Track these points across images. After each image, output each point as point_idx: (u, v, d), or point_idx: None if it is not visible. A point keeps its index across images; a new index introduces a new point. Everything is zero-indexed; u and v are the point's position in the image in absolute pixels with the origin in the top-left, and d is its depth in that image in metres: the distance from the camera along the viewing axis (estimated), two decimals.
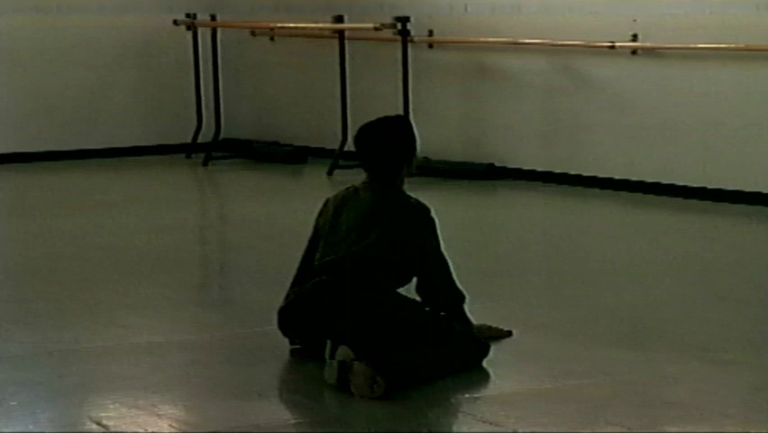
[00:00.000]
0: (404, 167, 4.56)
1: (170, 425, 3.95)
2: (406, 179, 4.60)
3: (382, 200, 4.53)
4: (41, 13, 9.75)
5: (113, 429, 3.87)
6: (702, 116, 7.83)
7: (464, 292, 4.55)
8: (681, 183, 7.88)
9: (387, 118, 4.65)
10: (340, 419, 4.07)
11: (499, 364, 4.49)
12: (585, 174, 8.35)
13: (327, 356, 4.25)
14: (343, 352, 4.20)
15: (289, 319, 4.53)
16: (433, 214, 4.55)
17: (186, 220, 7.73)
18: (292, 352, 4.57)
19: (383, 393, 4.07)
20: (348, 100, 9.17)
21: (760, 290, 5.66)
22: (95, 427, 3.91)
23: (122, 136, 10.04)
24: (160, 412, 4.03)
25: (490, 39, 8.68)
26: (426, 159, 8.93)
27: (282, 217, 7.61)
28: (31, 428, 3.91)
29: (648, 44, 8.01)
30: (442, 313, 4.49)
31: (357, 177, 9.74)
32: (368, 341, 4.28)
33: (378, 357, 4.16)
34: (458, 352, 4.38)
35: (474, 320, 4.61)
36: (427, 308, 4.49)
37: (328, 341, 4.30)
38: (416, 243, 4.46)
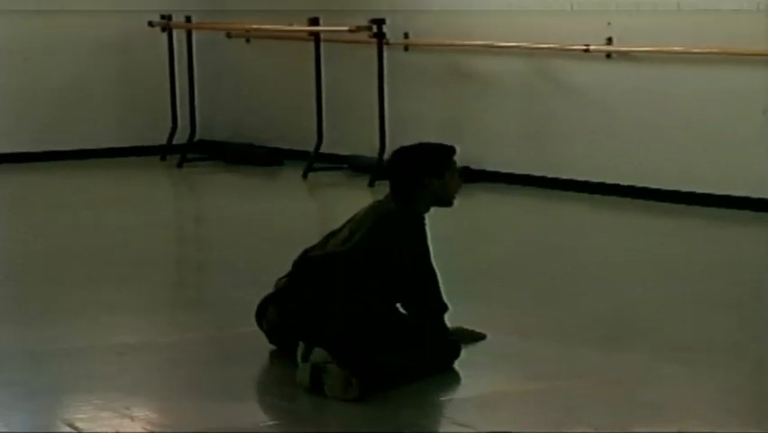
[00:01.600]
0: (424, 185, 4.49)
1: (143, 427, 3.93)
2: (445, 193, 4.53)
3: (373, 210, 4.55)
4: (14, 14, 9.69)
5: (84, 431, 3.84)
6: (677, 119, 7.85)
7: (448, 304, 4.54)
8: (659, 186, 7.89)
9: (421, 144, 4.61)
10: (315, 421, 4.06)
11: (474, 366, 4.49)
12: (562, 177, 8.36)
13: (300, 359, 4.24)
14: (319, 354, 4.18)
15: (262, 320, 4.55)
16: (425, 226, 4.50)
17: (160, 222, 7.71)
18: (272, 351, 4.56)
19: (357, 395, 4.06)
20: (323, 103, 9.16)
21: (737, 293, 5.67)
22: (66, 429, 3.89)
23: (96, 138, 9.99)
24: (133, 414, 4.01)
25: (466, 41, 8.69)
26: None
27: (257, 219, 7.60)
28: (2, 429, 3.88)
29: (623, 48, 8.03)
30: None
31: (331, 179, 9.71)
32: (342, 343, 4.26)
33: (352, 359, 4.15)
34: (431, 353, 4.38)
35: (450, 323, 4.61)
36: (401, 311, 4.49)
37: (300, 343, 4.29)
38: (395, 253, 4.44)
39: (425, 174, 4.54)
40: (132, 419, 3.97)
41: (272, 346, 4.57)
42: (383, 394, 4.12)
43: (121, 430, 3.87)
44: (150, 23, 9.76)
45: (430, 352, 4.38)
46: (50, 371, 4.47)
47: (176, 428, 3.97)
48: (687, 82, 7.79)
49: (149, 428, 3.93)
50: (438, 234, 4.74)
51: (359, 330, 4.33)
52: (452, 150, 4.66)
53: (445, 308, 4.54)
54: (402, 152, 4.62)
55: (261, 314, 4.56)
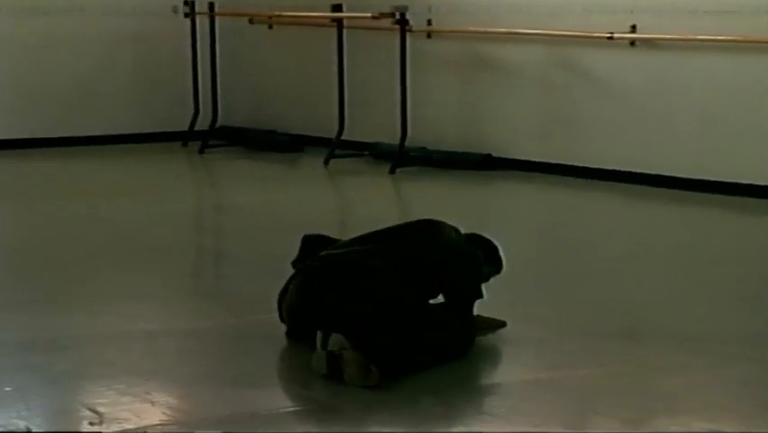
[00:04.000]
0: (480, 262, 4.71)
1: (164, 412, 3.95)
2: None
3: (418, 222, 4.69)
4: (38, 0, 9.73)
5: (106, 417, 3.86)
6: (700, 108, 7.83)
7: (483, 292, 4.59)
8: (678, 175, 7.88)
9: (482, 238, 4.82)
10: (333, 408, 4.07)
11: (493, 355, 4.50)
12: (582, 165, 8.35)
13: (319, 347, 4.24)
14: (337, 341, 4.19)
15: (282, 307, 4.56)
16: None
17: (181, 208, 7.73)
18: (288, 336, 4.57)
19: (377, 382, 4.06)
20: (345, 89, 9.17)
21: (756, 283, 5.66)
22: (88, 414, 3.91)
23: (118, 123, 10.03)
24: (154, 400, 4.03)
25: (489, 29, 8.68)
26: (423, 148, 8.93)
27: (278, 206, 7.61)
28: (24, 414, 3.91)
29: (647, 35, 8.00)
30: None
31: (352, 166, 9.72)
32: (360, 329, 4.26)
33: (370, 345, 4.15)
34: (449, 339, 4.38)
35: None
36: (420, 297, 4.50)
37: (318, 332, 4.29)
38: (441, 247, 4.55)
39: (488, 258, 4.76)
40: (152, 404, 3.99)
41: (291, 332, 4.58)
42: (401, 381, 4.12)
43: (142, 416, 3.89)
44: (174, 9, 9.78)
45: (448, 338, 4.38)
46: (68, 357, 4.49)
47: (196, 414, 3.99)
48: (711, 70, 7.76)
49: (169, 413, 3.95)
50: (455, 221, 4.74)
51: (379, 315, 4.32)
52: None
53: (478, 296, 4.57)
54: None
55: (283, 297, 4.57)
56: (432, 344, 4.32)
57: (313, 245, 4.63)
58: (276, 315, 4.61)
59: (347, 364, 4.09)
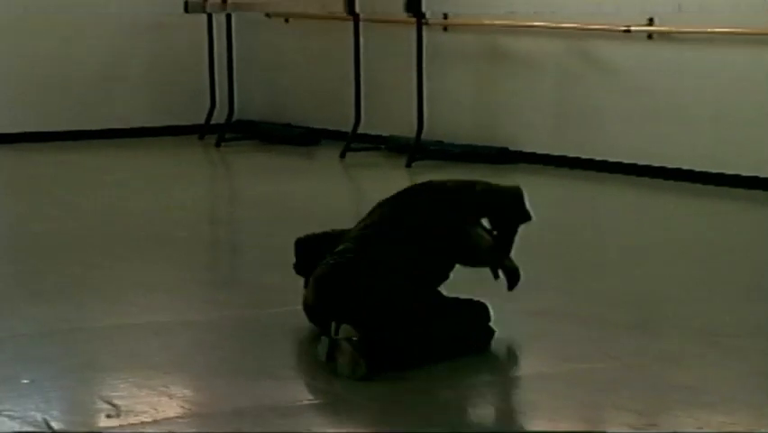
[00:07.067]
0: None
1: (180, 405, 3.96)
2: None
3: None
4: None
5: (123, 409, 3.87)
6: (717, 101, 7.80)
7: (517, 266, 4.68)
8: (693, 168, 7.85)
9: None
10: (350, 401, 4.07)
11: (509, 348, 4.50)
12: (599, 159, 8.33)
13: (332, 334, 4.24)
14: (347, 330, 4.18)
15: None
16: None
17: (197, 201, 7.75)
18: (306, 330, 4.58)
19: (365, 373, 4.05)
20: (362, 82, 9.16)
21: (767, 275, 5.65)
22: (105, 406, 3.92)
23: (135, 117, 10.05)
24: (171, 392, 4.04)
25: (505, 22, 8.66)
26: (440, 142, 8.92)
27: (294, 199, 7.62)
28: (41, 406, 3.92)
29: (664, 28, 7.98)
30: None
31: (369, 159, 9.71)
32: (370, 322, 4.25)
33: (377, 337, 4.13)
34: (463, 332, 4.37)
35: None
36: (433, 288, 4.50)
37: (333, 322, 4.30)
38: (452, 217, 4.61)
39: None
40: (169, 397, 4.00)
41: (308, 325, 4.58)
42: (418, 376, 4.12)
43: (159, 408, 3.90)
44: (190, 2, 9.78)
45: (462, 331, 4.37)
46: (84, 349, 4.50)
47: (213, 406, 4.00)
48: (728, 63, 7.73)
49: (186, 406, 3.96)
50: None
51: (390, 310, 4.32)
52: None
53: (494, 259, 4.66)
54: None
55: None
56: (445, 337, 4.32)
57: (312, 246, 4.64)
58: (292, 307, 4.62)
59: (340, 354, 4.09)
